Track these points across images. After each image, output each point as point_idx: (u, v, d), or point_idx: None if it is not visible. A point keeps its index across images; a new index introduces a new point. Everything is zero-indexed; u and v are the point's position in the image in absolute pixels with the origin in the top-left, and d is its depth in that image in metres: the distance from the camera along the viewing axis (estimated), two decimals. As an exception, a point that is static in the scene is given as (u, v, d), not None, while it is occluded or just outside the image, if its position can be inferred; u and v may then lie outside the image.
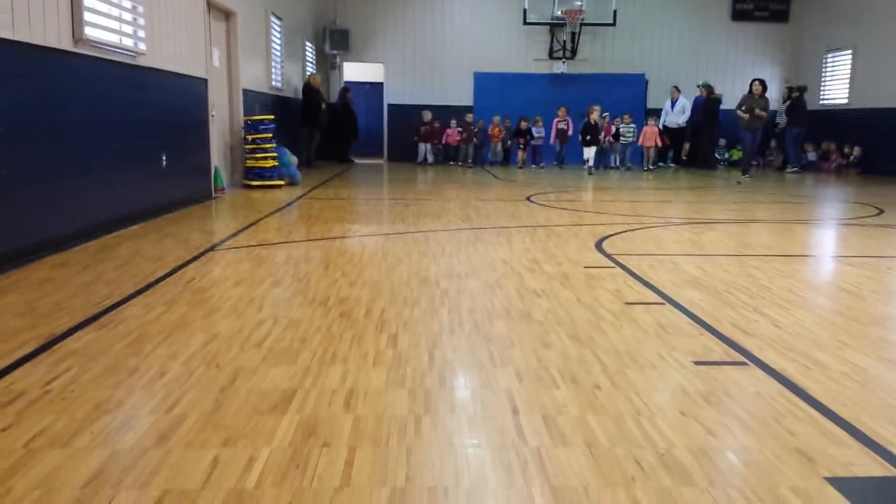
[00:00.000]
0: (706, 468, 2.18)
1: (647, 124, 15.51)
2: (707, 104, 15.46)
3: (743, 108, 12.94)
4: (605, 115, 15.29)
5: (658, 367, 3.11)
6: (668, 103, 16.03)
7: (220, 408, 2.56)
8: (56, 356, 3.11)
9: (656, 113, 16.02)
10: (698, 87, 15.73)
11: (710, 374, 3.02)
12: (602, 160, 15.53)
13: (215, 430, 2.38)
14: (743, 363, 3.16)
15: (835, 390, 2.83)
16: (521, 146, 15.75)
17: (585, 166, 14.42)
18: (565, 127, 15.47)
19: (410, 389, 2.77)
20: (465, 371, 3.04)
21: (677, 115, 15.91)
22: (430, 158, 16.48)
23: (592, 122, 14.38)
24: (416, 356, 3.17)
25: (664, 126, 15.92)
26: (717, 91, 15.98)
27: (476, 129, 16.25)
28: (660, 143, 15.48)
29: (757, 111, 12.85)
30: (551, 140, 15.65)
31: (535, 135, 15.67)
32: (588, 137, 14.32)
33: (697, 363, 3.14)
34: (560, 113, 15.51)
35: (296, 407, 2.57)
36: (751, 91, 13.12)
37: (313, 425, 2.43)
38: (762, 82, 13.09)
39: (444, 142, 16.38)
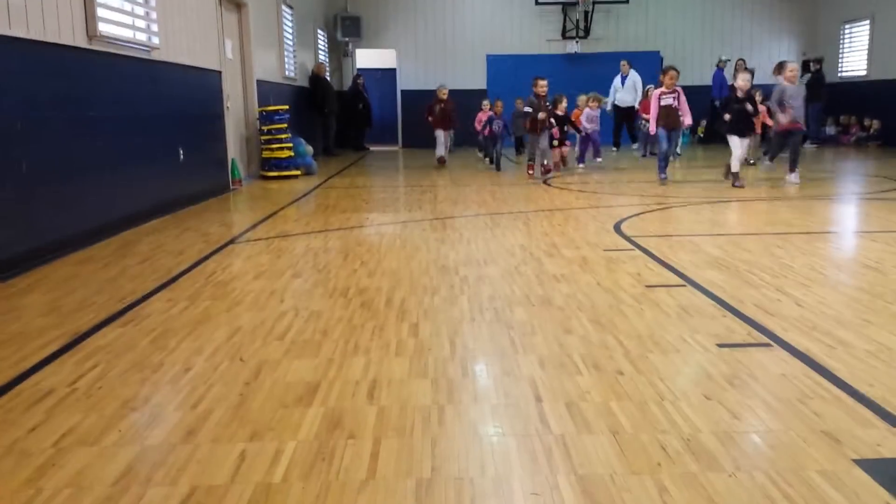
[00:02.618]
0: (732, 452, 2.18)
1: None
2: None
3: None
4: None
5: (681, 350, 3.09)
6: (619, 79, 14.62)
7: (245, 402, 2.59)
8: (82, 353, 3.15)
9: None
10: (720, 61, 15.28)
11: (733, 356, 3.00)
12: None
13: (241, 424, 2.41)
14: (767, 344, 3.14)
15: (860, 369, 2.81)
16: (557, 141, 11.01)
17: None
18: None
19: (433, 379, 2.78)
20: (487, 359, 3.04)
21: (628, 91, 14.40)
22: (443, 151, 12.68)
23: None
24: (437, 345, 3.18)
25: (614, 105, 14.56)
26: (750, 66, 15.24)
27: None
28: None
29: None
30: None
31: (587, 124, 11.65)
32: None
33: (721, 345, 3.13)
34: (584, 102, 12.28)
35: (320, 399, 2.59)
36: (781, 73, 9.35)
37: (338, 417, 2.44)
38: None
39: (480, 131, 12.46)
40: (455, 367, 2.92)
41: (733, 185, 8.48)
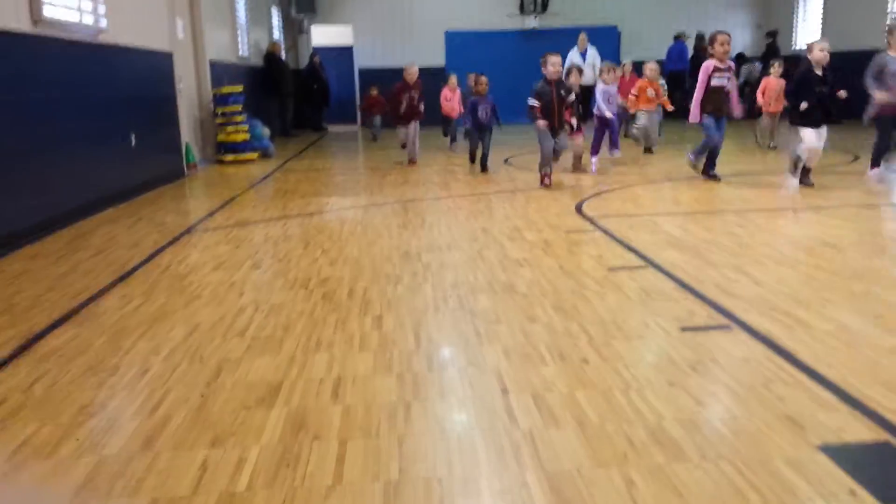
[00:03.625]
0: (697, 441, 2.18)
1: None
2: (700, 54, 14.93)
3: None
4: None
5: (644, 335, 3.10)
6: (575, 54, 13.29)
7: (205, 405, 2.53)
8: (36, 356, 3.05)
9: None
10: (679, 36, 15.30)
11: (696, 339, 3.02)
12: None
13: (202, 429, 2.35)
14: (727, 327, 3.16)
15: (820, 351, 2.84)
16: (570, 126, 7.88)
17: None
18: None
19: (398, 374, 2.74)
20: (451, 351, 3.02)
21: (587, 69, 12.77)
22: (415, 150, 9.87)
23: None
24: (401, 338, 3.14)
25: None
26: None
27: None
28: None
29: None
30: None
31: (603, 104, 8.75)
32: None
33: (683, 329, 3.14)
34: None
35: (283, 399, 2.54)
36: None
37: (302, 418, 2.40)
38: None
39: (464, 116, 10.30)
40: (420, 360, 2.89)
41: (801, 183, 6.77)
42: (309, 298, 3.74)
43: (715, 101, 7.13)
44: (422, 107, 9.41)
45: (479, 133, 8.59)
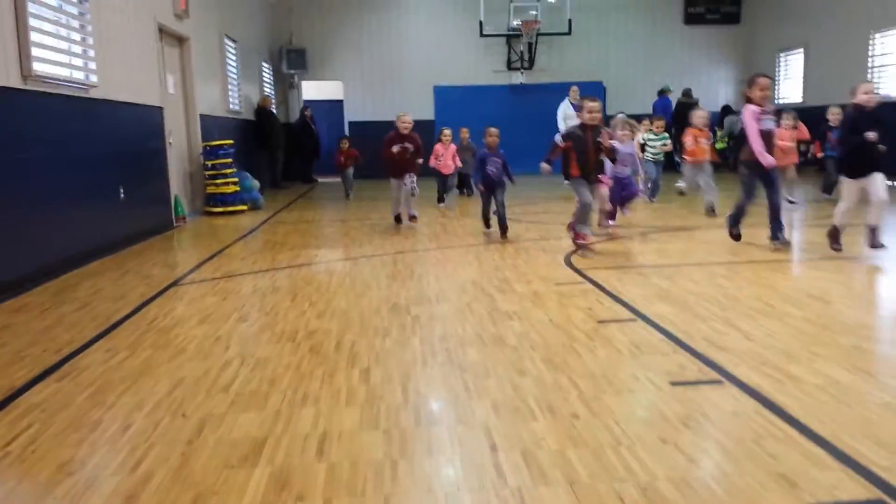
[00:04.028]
0: (690, 500, 2.15)
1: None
2: (679, 108, 15.11)
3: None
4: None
5: (634, 389, 3.08)
6: (568, 105, 12.67)
7: (187, 462, 2.47)
8: (16, 412, 2.99)
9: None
10: (663, 91, 15.44)
11: (686, 394, 3.00)
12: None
13: (184, 488, 2.29)
14: (718, 381, 3.14)
15: (811, 405, 2.82)
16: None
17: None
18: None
19: (385, 430, 2.70)
20: (440, 406, 2.98)
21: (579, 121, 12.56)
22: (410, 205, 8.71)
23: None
24: (389, 392, 3.10)
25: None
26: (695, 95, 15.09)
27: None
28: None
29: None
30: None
31: (620, 166, 7.82)
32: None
33: (673, 384, 3.12)
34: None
35: (267, 457, 2.49)
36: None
37: (286, 477, 2.34)
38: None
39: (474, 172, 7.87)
40: (408, 415, 2.84)
41: (831, 248, 5.97)
42: (296, 352, 3.69)
43: (770, 147, 6.15)
44: (419, 160, 8.44)
45: (489, 191, 7.42)
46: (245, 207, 10.41)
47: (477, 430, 2.68)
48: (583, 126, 6.43)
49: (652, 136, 9.82)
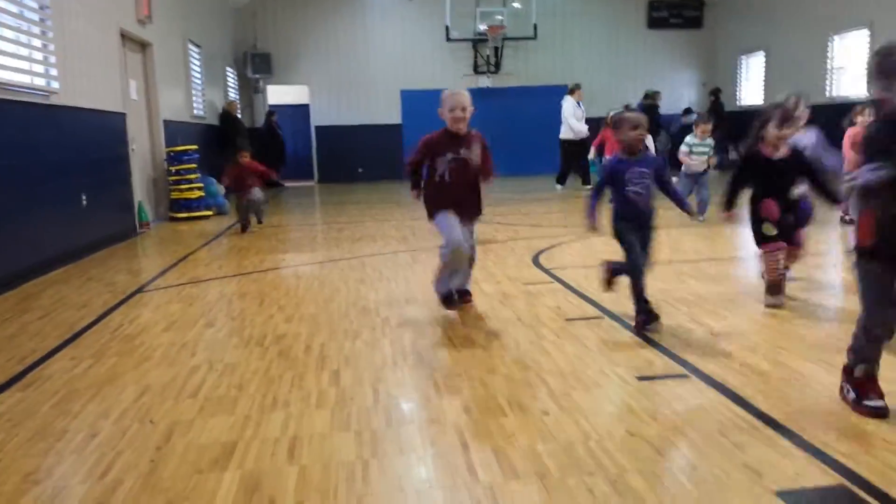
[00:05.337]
0: (658, 492, 2.18)
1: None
2: (645, 111, 15.03)
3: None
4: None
5: (603, 385, 3.11)
6: (573, 104, 12.50)
7: (156, 469, 2.44)
8: (-23, 423, 2.93)
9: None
10: (648, 94, 15.08)
11: (653, 388, 3.04)
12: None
13: (153, 494, 2.27)
14: (684, 376, 3.19)
15: (775, 397, 2.88)
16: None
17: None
18: None
19: (356, 431, 2.69)
20: (411, 406, 2.98)
21: (583, 122, 12.57)
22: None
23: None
24: (360, 393, 3.10)
25: (569, 140, 12.53)
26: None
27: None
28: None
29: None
30: None
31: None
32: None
33: (640, 378, 3.16)
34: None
35: (237, 461, 2.47)
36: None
37: (256, 480, 2.33)
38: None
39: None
40: (379, 416, 2.84)
41: None
42: (264, 356, 3.67)
43: None
44: (483, 190, 4.46)
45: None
46: (210, 213, 10.32)
47: (448, 429, 2.69)
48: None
49: (696, 142, 8.08)
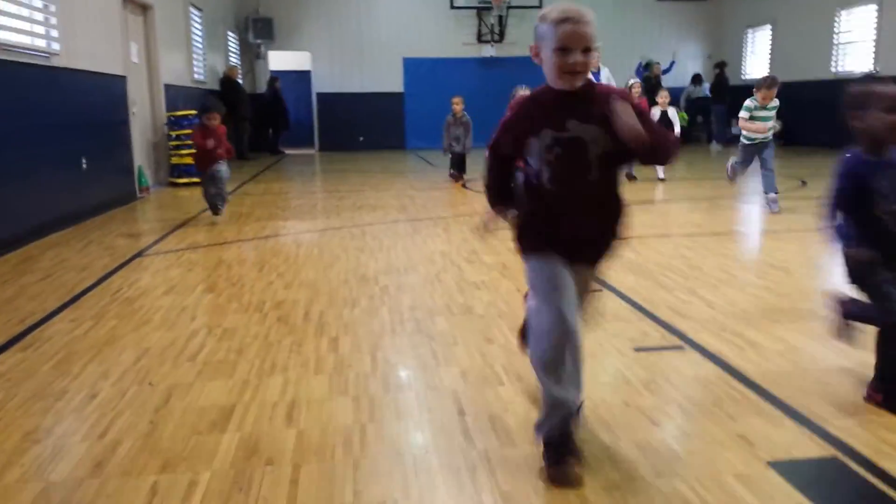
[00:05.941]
0: (652, 460, 2.20)
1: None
2: (645, 82, 14.88)
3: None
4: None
5: (598, 355, 3.13)
6: (611, 77, 11.84)
7: (155, 430, 2.47)
8: (-23, 383, 2.95)
9: None
10: (649, 64, 15.04)
11: (649, 359, 3.06)
12: None
13: (152, 454, 2.29)
14: (680, 347, 3.21)
15: (769, 369, 2.90)
16: None
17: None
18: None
19: (354, 397, 2.72)
20: (408, 373, 3.01)
21: None
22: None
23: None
24: (358, 360, 3.12)
25: None
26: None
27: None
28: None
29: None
30: None
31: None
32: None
33: (637, 350, 3.18)
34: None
35: (235, 423, 2.50)
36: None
37: (255, 442, 2.36)
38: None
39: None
40: (377, 382, 2.87)
41: None
42: (263, 322, 3.69)
43: None
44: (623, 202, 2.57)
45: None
46: (211, 179, 10.26)
47: (445, 396, 2.71)
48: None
49: (757, 105, 7.17)
